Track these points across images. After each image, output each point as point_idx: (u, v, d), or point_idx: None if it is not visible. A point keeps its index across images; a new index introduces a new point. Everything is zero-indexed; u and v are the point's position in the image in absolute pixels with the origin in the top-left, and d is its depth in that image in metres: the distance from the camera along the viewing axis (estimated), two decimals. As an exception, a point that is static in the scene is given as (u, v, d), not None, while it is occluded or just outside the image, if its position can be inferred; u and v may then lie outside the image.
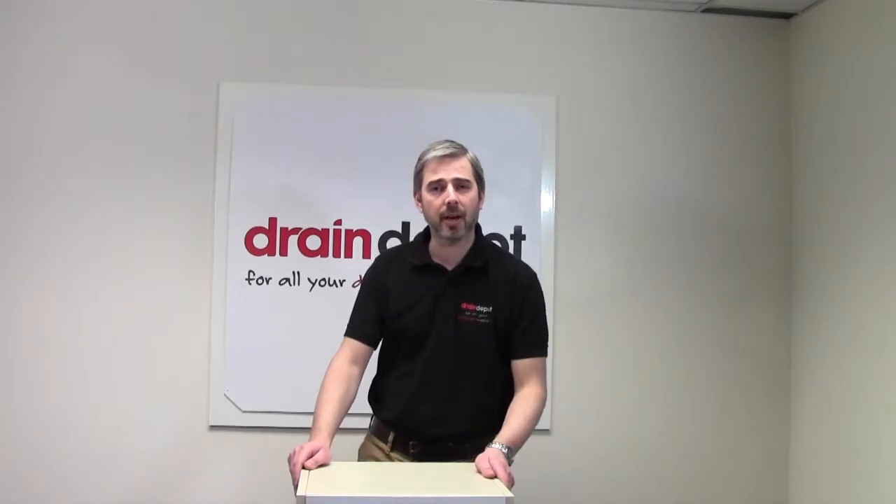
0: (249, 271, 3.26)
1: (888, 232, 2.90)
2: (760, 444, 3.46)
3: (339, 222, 3.31)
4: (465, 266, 2.26)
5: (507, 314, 2.25)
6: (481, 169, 2.27)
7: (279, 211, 3.28)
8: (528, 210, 3.40)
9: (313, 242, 3.30)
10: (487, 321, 2.24)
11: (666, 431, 3.42)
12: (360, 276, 3.27)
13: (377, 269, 2.37)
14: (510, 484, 1.98)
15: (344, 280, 3.29)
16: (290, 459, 2.08)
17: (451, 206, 2.19)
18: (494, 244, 2.52)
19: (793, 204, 3.50)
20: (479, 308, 2.24)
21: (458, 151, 2.23)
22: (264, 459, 3.20)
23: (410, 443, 2.27)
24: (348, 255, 3.30)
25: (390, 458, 2.30)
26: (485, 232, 3.28)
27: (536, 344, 2.29)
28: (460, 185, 2.20)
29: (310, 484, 1.87)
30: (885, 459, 2.88)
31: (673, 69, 3.49)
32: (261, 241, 3.27)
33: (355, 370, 2.30)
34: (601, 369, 3.42)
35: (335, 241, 3.31)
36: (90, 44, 3.24)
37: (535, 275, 2.35)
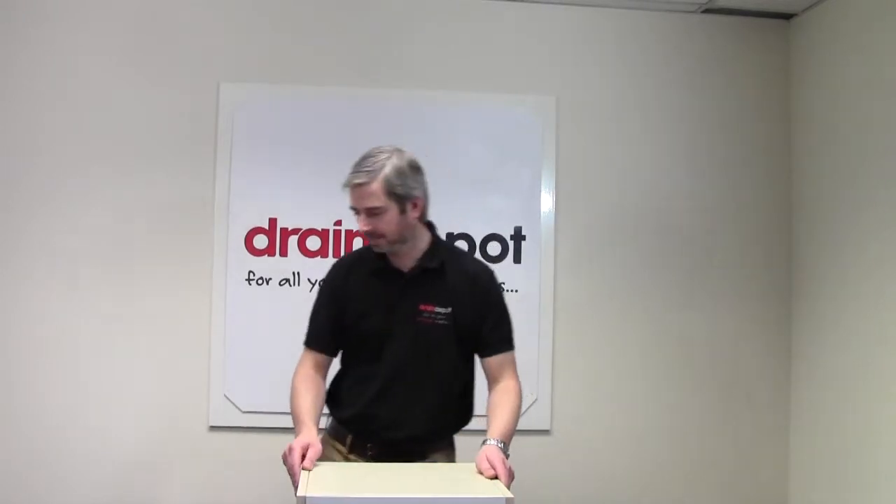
0: (249, 272, 3.26)
1: (888, 231, 2.90)
2: (760, 445, 3.46)
3: (339, 222, 3.31)
4: (422, 268, 2.25)
5: (470, 314, 2.25)
6: (401, 182, 2.17)
7: (279, 211, 3.28)
8: (528, 210, 3.40)
9: (313, 242, 3.30)
10: (446, 322, 2.23)
11: (666, 431, 3.42)
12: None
13: (335, 276, 2.37)
14: (511, 479, 2.00)
15: (344, 280, 3.28)
16: (284, 460, 2.08)
17: (366, 234, 2.21)
18: (451, 245, 2.51)
19: (793, 204, 3.50)
20: (438, 309, 2.23)
21: (367, 180, 2.15)
22: (264, 459, 3.17)
23: (368, 444, 2.26)
24: (348, 255, 3.30)
25: (348, 460, 2.30)
26: (485, 232, 3.36)
27: (505, 340, 2.31)
28: (371, 213, 2.18)
29: (310, 484, 1.87)
30: (884, 459, 2.88)
31: (673, 69, 3.49)
32: (261, 241, 3.28)
33: (319, 377, 2.33)
34: (601, 369, 3.42)
35: (335, 241, 3.31)
36: (90, 44, 3.25)
37: (493, 273, 2.35)
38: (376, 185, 2.15)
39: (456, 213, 3.35)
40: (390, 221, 2.18)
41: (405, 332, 2.23)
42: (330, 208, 3.30)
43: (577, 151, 3.43)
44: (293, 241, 3.29)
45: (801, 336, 3.42)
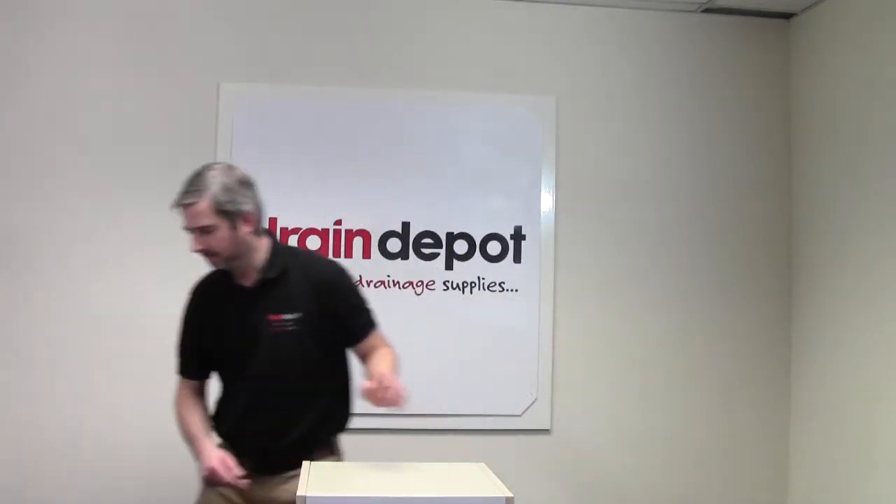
0: (249, 271, 3.26)
1: (888, 231, 2.90)
2: (760, 444, 3.46)
3: (339, 222, 3.31)
4: (264, 280, 2.27)
5: (320, 315, 2.28)
6: (230, 199, 2.19)
7: (279, 211, 3.28)
8: (528, 210, 3.40)
9: (313, 242, 3.30)
10: (297, 328, 2.25)
11: (666, 431, 3.43)
12: (360, 277, 3.29)
13: (189, 302, 2.41)
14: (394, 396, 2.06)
15: (344, 280, 3.28)
16: (211, 482, 2.17)
17: (201, 253, 2.23)
18: (294, 249, 2.50)
19: (793, 204, 3.50)
20: (286, 317, 2.25)
21: (195, 200, 2.17)
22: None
23: (242, 460, 2.25)
24: (348, 255, 3.30)
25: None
26: (485, 232, 3.36)
27: (366, 325, 2.37)
28: (203, 231, 2.20)
29: (310, 484, 1.87)
30: (884, 459, 2.88)
31: (673, 69, 3.49)
32: (261, 241, 3.27)
33: (198, 399, 2.38)
34: (601, 369, 3.42)
35: (335, 241, 3.31)
36: (90, 44, 3.24)
37: (339, 270, 2.40)
38: (204, 204, 2.17)
39: (456, 213, 3.36)
40: (222, 239, 2.20)
41: (261, 346, 2.25)
42: (330, 208, 3.31)
43: (577, 151, 3.44)
44: (293, 241, 3.28)
45: (801, 336, 3.42)
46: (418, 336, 3.30)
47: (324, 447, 2.31)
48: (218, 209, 2.18)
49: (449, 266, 3.34)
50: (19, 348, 3.17)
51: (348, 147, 3.34)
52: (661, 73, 3.49)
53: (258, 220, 2.27)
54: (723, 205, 3.49)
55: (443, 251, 3.34)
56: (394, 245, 3.32)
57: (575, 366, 3.39)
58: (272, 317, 2.25)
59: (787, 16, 3.52)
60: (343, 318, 2.32)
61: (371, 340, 2.35)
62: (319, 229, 3.30)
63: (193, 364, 2.38)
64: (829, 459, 3.20)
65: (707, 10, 3.48)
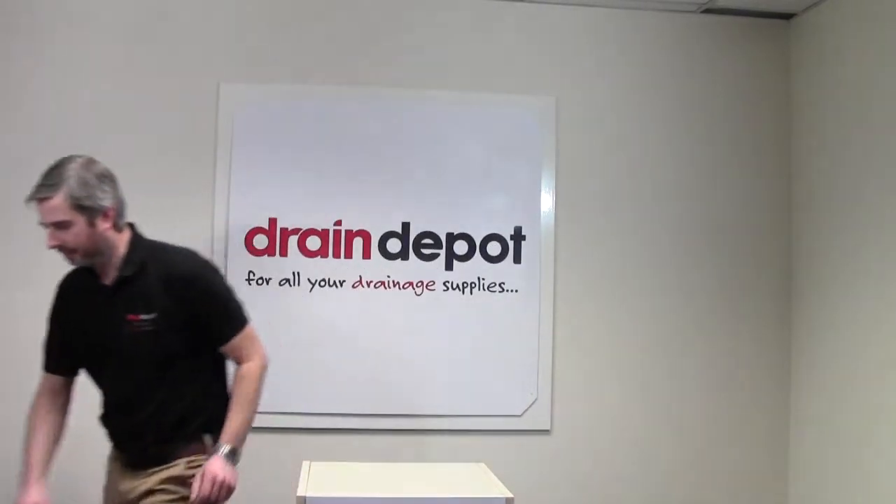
0: (249, 272, 3.26)
1: (889, 231, 2.90)
2: (760, 444, 3.46)
3: (339, 222, 3.31)
4: (121, 278, 2.22)
5: (178, 314, 2.22)
6: (87, 194, 2.13)
7: (279, 211, 3.28)
8: (528, 210, 3.40)
9: (313, 243, 3.30)
10: (153, 328, 2.20)
11: (666, 431, 3.43)
12: (360, 277, 3.29)
13: (54, 298, 2.36)
14: (220, 495, 2.09)
15: (344, 280, 3.29)
16: None
17: (57, 249, 2.17)
18: (155, 245, 2.35)
19: (793, 204, 3.50)
20: (143, 317, 2.20)
21: (49, 194, 2.10)
22: (264, 459, 3.19)
23: (119, 453, 2.29)
24: (348, 255, 3.30)
25: (115, 466, 2.34)
26: (485, 232, 3.36)
27: (231, 324, 2.29)
28: (58, 226, 2.13)
29: (310, 484, 1.87)
30: (884, 460, 2.88)
31: (673, 69, 3.49)
32: (261, 241, 3.27)
33: (59, 400, 2.33)
34: (601, 369, 3.42)
35: (335, 242, 3.31)
36: (90, 44, 3.24)
37: (199, 265, 2.31)
38: (59, 199, 2.10)
39: (456, 213, 3.35)
40: (79, 234, 2.13)
41: (120, 345, 2.22)
42: (330, 208, 3.30)
43: (577, 151, 3.44)
44: (293, 241, 3.28)
45: (801, 336, 3.42)
46: (418, 336, 3.30)
47: (192, 443, 2.26)
48: (74, 204, 2.10)
49: (449, 266, 3.34)
50: (18, 349, 3.17)
51: (348, 147, 3.34)
52: (661, 74, 3.49)
53: (118, 216, 2.20)
54: (723, 204, 3.49)
55: (443, 251, 3.34)
56: (394, 245, 3.32)
57: (575, 366, 3.39)
58: (131, 317, 2.20)
59: (787, 16, 3.52)
60: (204, 318, 2.25)
61: (235, 343, 2.28)
62: (319, 229, 3.30)
63: (55, 359, 2.32)
64: (828, 460, 3.20)
65: (707, 11, 3.48)
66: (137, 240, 2.28)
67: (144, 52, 3.26)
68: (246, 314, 2.34)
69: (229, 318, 2.30)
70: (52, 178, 2.13)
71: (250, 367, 2.26)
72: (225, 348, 2.29)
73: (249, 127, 3.28)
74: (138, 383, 2.24)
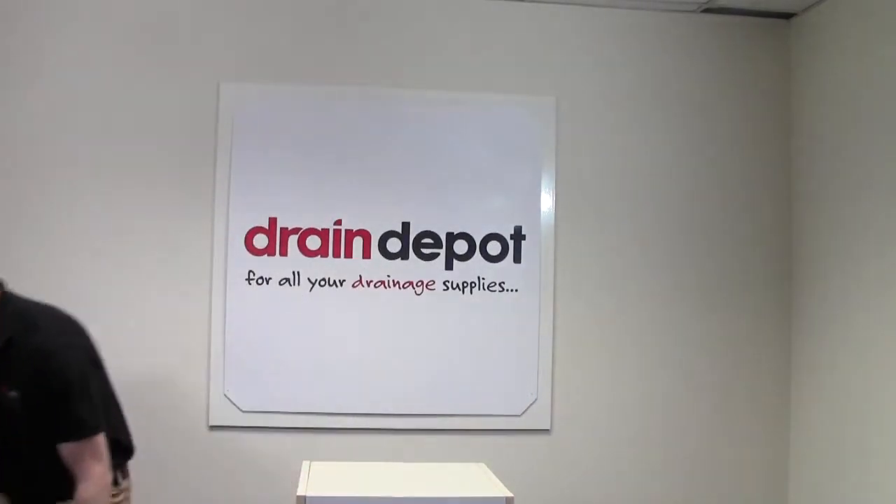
0: (249, 271, 3.26)
1: (889, 232, 2.90)
2: (760, 444, 3.46)
3: (339, 222, 3.31)
4: None
5: (39, 398, 2.06)
6: None
7: (279, 211, 3.28)
8: (528, 210, 3.40)
9: (313, 242, 3.30)
10: (16, 406, 2.05)
11: (666, 431, 3.43)
12: (360, 277, 3.29)
13: None
14: None
15: (344, 280, 3.29)
16: None
17: None
18: (28, 315, 2.16)
19: (793, 203, 3.50)
20: (10, 393, 2.05)
21: None
22: (264, 459, 3.20)
23: None
24: (348, 255, 3.30)
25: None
26: (485, 232, 3.36)
27: (76, 425, 2.08)
28: None
29: (310, 484, 1.87)
30: (884, 460, 2.88)
31: (673, 69, 3.49)
32: (261, 241, 3.27)
33: None
34: (601, 369, 3.42)
35: (335, 241, 3.31)
36: (90, 44, 3.24)
37: (62, 346, 2.12)
38: None
39: (456, 213, 3.36)
40: None
41: None
42: (330, 208, 3.31)
43: (577, 151, 3.44)
44: (293, 240, 3.28)
45: (801, 335, 3.42)
46: (418, 336, 3.31)
47: None
48: None
49: (449, 266, 3.34)
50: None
51: (348, 147, 3.34)
52: (661, 74, 3.49)
53: None
54: (722, 205, 3.49)
55: (443, 251, 3.34)
56: (394, 245, 3.32)
57: (575, 366, 3.39)
58: (3, 388, 2.06)
59: (787, 16, 3.52)
60: (49, 408, 2.06)
61: (73, 450, 2.07)
62: (319, 229, 3.30)
63: None
64: (829, 459, 3.20)
65: (707, 10, 3.48)
66: (11, 307, 2.13)
67: (144, 52, 3.26)
68: (98, 422, 2.12)
69: (78, 416, 2.09)
70: None
71: (80, 493, 2.04)
72: (62, 450, 2.07)
73: (249, 127, 3.28)
74: (5, 448, 2.11)
